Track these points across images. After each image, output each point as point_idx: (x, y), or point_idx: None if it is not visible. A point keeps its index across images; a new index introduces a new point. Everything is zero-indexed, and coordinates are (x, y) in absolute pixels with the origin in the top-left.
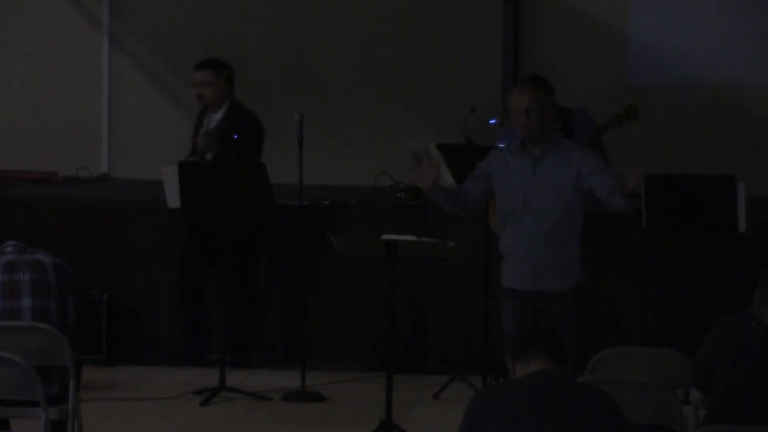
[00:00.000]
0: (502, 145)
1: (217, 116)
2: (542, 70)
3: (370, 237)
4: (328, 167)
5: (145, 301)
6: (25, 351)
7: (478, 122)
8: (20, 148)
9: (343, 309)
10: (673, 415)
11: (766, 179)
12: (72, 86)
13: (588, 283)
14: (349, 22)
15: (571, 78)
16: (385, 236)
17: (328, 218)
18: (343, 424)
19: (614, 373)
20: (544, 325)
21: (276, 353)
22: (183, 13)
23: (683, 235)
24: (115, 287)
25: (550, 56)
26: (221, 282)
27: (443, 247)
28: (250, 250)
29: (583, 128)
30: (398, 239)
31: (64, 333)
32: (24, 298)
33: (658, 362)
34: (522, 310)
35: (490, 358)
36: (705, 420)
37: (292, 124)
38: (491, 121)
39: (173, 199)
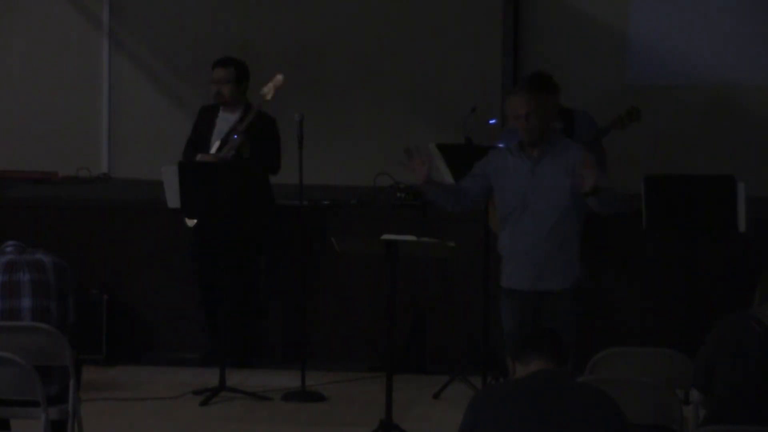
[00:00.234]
0: (501, 145)
1: (232, 116)
2: (542, 70)
3: (370, 237)
4: (328, 167)
5: (145, 301)
6: (25, 351)
7: (478, 122)
8: (20, 148)
9: (343, 309)
10: (673, 415)
11: (766, 179)
12: (72, 86)
13: (588, 283)
14: (350, 22)
15: (571, 78)
16: (385, 236)
17: (328, 218)
18: (343, 424)
19: (614, 373)
20: (544, 325)
21: (276, 353)
22: (183, 13)
23: (683, 235)
24: (115, 287)
25: (550, 56)
26: (221, 282)
27: (443, 247)
28: (250, 250)
29: (584, 130)
30: (398, 239)
31: (64, 333)
32: (24, 298)
33: (658, 362)
34: (522, 310)
35: (490, 358)
36: (705, 420)
37: (292, 124)
38: (491, 121)
39: (173, 199)
